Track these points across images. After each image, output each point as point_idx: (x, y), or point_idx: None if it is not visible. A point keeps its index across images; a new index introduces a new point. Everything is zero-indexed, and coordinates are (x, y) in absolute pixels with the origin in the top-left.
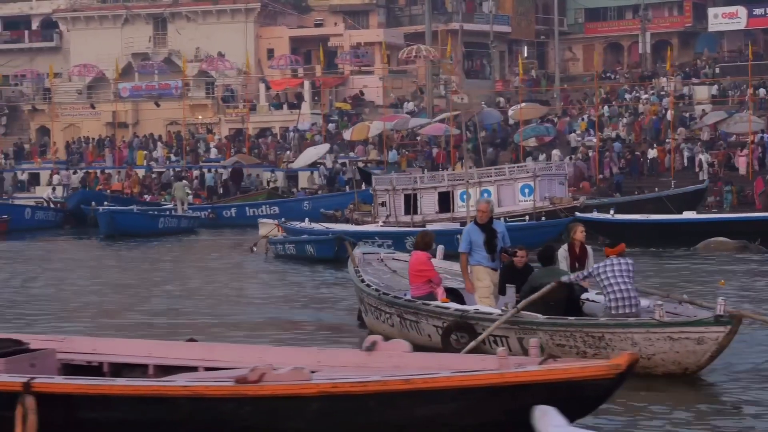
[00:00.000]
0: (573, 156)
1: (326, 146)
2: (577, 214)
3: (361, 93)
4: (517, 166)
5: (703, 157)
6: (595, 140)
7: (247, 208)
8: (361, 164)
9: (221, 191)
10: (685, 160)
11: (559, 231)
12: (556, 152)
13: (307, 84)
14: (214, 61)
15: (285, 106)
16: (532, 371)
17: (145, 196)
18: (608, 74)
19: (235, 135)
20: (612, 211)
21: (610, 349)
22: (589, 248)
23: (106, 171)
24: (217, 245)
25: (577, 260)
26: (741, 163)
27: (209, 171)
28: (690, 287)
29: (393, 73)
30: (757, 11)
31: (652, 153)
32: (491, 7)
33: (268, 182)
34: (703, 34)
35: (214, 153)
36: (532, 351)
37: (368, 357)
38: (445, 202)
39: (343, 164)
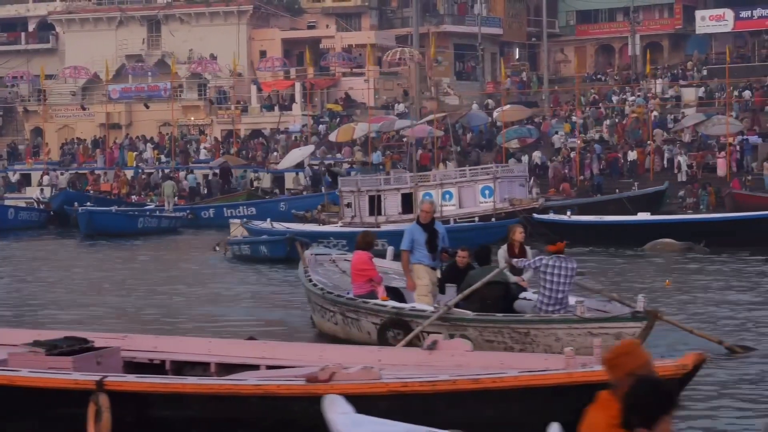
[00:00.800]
0: (554, 158)
1: (311, 147)
2: (535, 215)
3: (347, 95)
4: (480, 168)
5: (682, 159)
6: (578, 142)
7: (224, 209)
8: (339, 165)
9: (205, 192)
10: (665, 162)
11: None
12: (537, 154)
13: (297, 85)
14: (204, 63)
15: (276, 108)
16: (600, 371)
17: (132, 197)
18: (599, 76)
19: (227, 136)
20: (569, 213)
21: (535, 345)
22: (528, 248)
23: (96, 172)
24: (187, 245)
25: None
26: (720, 164)
27: (191, 172)
28: (635, 286)
29: (384, 74)
30: (744, 14)
31: (632, 155)
32: (482, 9)
33: (251, 182)
34: (693, 36)
35: (203, 154)
36: (596, 350)
37: (429, 356)
38: (408, 203)
39: (315, 166)
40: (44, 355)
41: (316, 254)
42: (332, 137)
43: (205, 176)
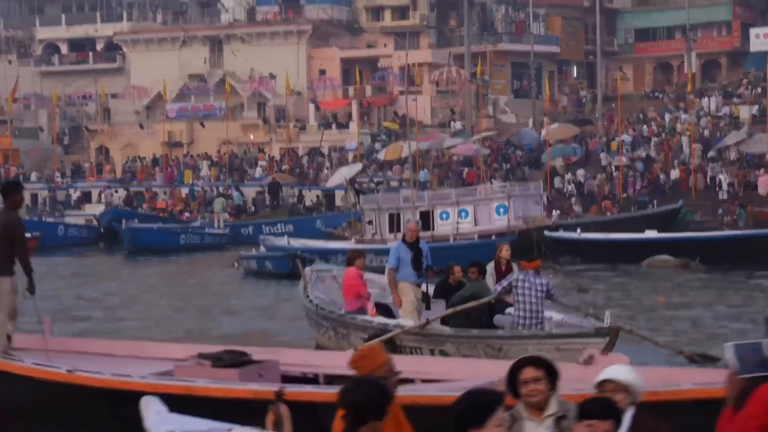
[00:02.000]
0: (598, 175)
1: (359, 166)
2: (546, 232)
3: (396, 114)
4: (498, 186)
5: (723, 177)
6: (624, 159)
7: (264, 226)
8: (360, 185)
9: (253, 209)
10: (708, 180)
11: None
12: (581, 172)
13: (354, 104)
14: (259, 82)
15: (333, 126)
16: None
17: (185, 214)
18: (656, 94)
19: (285, 155)
20: (579, 230)
21: (508, 359)
22: (515, 265)
23: (153, 189)
24: (219, 260)
25: (503, 276)
26: (761, 182)
27: (237, 190)
28: (625, 302)
29: (441, 93)
30: None
31: (674, 173)
32: (539, 28)
33: (297, 200)
34: (751, 54)
35: (258, 172)
36: None
37: (587, 370)
38: (426, 220)
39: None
40: (211, 368)
41: (318, 270)
42: (381, 156)
43: (258, 193)
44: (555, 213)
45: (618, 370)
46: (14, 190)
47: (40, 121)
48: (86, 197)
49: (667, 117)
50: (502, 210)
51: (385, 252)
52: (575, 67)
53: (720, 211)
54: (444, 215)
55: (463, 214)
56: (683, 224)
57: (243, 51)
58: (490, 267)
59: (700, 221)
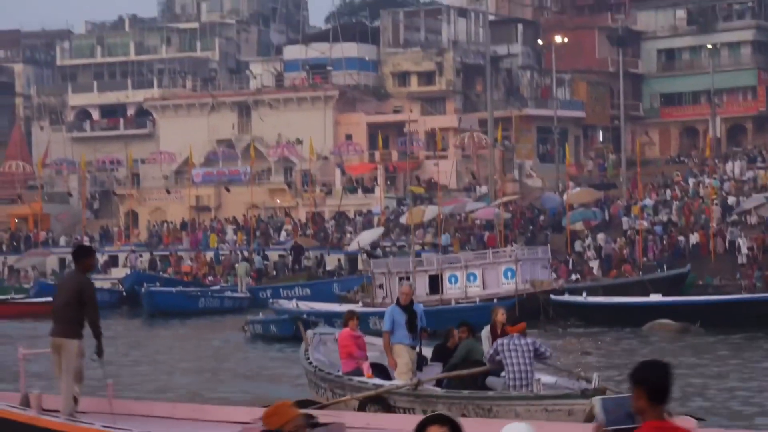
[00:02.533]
0: (618, 239)
1: (380, 230)
2: (552, 296)
3: (417, 178)
4: (501, 250)
5: (742, 241)
6: (645, 224)
7: (281, 290)
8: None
9: (274, 273)
10: (727, 244)
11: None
12: (601, 236)
13: (380, 168)
14: (283, 147)
15: (359, 190)
16: None
17: (209, 278)
18: (682, 158)
19: (311, 218)
20: (584, 294)
21: (498, 420)
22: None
23: (179, 253)
24: (233, 324)
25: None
26: None
27: (259, 254)
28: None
29: (467, 157)
30: None
31: (693, 237)
32: (564, 93)
33: (318, 263)
34: None
35: (283, 236)
36: None
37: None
38: (435, 284)
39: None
40: None
41: (321, 333)
42: (402, 219)
43: (280, 257)
44: (574, 276)
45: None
46: (85, 254)
47: (71, 186)
48: (113, 261)
49: (691, 181)
50: (510, 273)
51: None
52: (601, 132)
53: (738, 275)
54: (453, 279)
55: (472, 277)
56: (692, 288)
57: (271, 116)
58: (486, 331)
59: (717, 285)
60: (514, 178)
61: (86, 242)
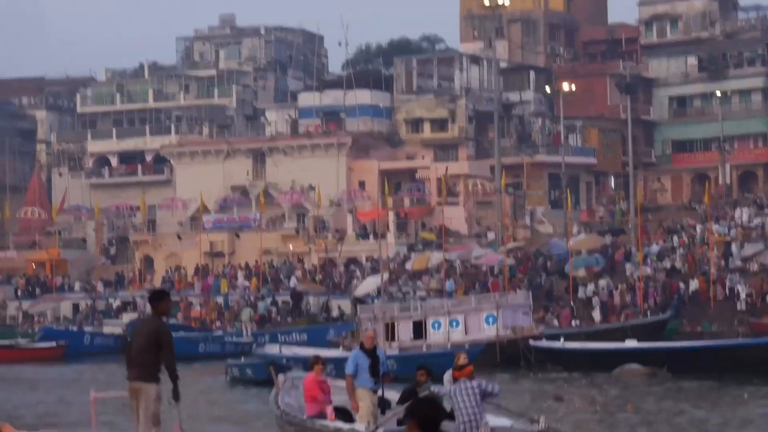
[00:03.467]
0: (619, 285)
1: (385, 276)
2: (531, 341)
3: (423, 225)
4: (476, 297)
5: (741, 288)
6: (649, 270)
7: (279, 335)
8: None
9: (278, 318)
10: (727, 291)
11: (476, 356)
12: (602, 282)
13: (391, 215)
14: (292, 194)
15: (371, 237)
16: None
17: (217, 323)
18: (693, 205)
19: (323, 264)
20: (562, 339)
21: None
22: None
23: (190, 298)
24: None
25: None
26: None
27: (262, 299)
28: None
29: (479, 204)
30: None
31: (694, 284)
32: (576, 140)
33: (323, 309)
34: None
35: (293, 282)
36: None
37: None
38: (419, 330)
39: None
40: None
41: (293, 377)
42: (408, 266)
43: (284, 303)
44: (575, 323)
45: None
46: (160, 299)
47: (88, 232)
48: (126, 306)
49: (699, 228)
50: (491, 320)
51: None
52: (613, 178)
53: (735, 322)
54: (436, 325)
55: (455, 323)
56: (675, 334)
57: (285, 163)
58: (448, 374)
59: (714, 332)
60: (526, 224)
61: (100, 288)
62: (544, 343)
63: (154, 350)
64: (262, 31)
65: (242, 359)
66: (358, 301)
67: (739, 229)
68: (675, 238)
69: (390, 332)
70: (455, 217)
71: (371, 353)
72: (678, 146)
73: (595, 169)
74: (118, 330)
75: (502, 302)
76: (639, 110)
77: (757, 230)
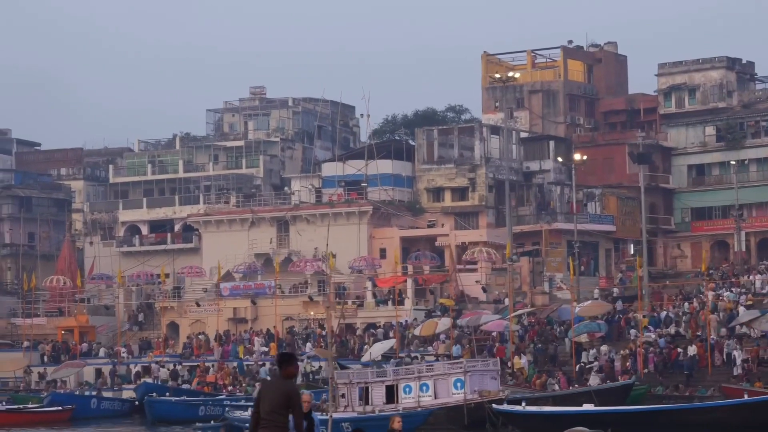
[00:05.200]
0: (621, 351)
1: (392, 342)
2: (494, 405)
3: (430, 291)
4: (450, 363)
5: (737, 353)
6: (653, 336)
7: None
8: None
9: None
10: (724, 356)
11: (421, 421)
12: (604, 348)
13: (410, 281)
14: (304, 262)
15: (389, 303)
16: None
17: (228, 388)
18: (711, 271)
19: (344, 330)
20: (523, 404)
21: None
22: None
23: (206, 364)
24: None
25: None
26: None
27: (263, 365)
28: None
29: (496, 270)
30: None
31: (692, 349)
32: (595, 207)
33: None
34: None
35: (309, 347)
36: None
37: None
38: (391, 394)
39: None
40: None
41: None
42: (416, 331)
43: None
44: (573, 386)
45: None
46: (288, 362)
47: (117, 299)
48: (146, 371)
49: (710, 295)
50: (459, 384)
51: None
52: (632, 245)
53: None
54: (407, 389)
55: (425, 387)
56: (644, 399)
57: (308, 231)
58: None
59: (708, 396)
60: (544, 291)
61: (124, 354)
62: (506, 407)
63: (285, 411)
64: (290, 103)
65: (211, 422)
66: (341, 366)
67: (749, 295)
68: (686, 304)
69: (365, 396)
70: (474, 284)
71: (307, 416)
72: (697, 213)
73: (614, 236)
74: (131, 395)
75: (470, 367)
76: (659, 179)
77: None
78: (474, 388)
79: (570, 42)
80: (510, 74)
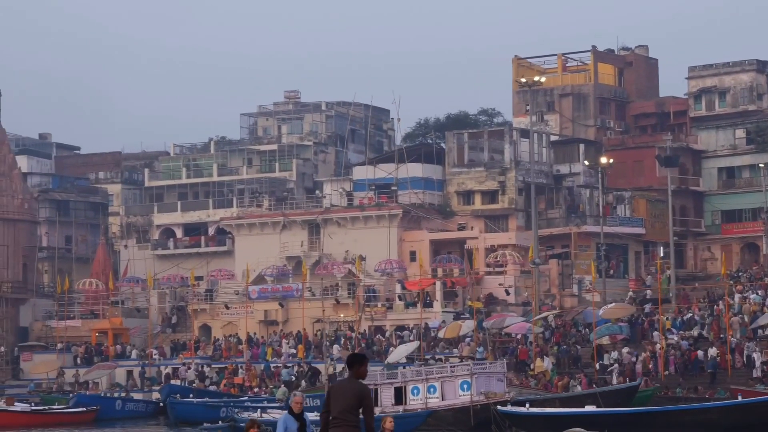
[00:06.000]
0: (642, 353)
1: (415, 344)
2: (499, 407)
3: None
4: (458, 365)
5: (756, 356)
6: (676, 338)
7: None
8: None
9: (303, 384)
10: (745, 358)
11: (421, 421)
12: (625, 350)
13: (438, 284)
14: (330, 265)
15: (418, 305)
16: None
17: (255, 390)
18: (739, 273)
19: (374, 332)
20: (527, 405)
21: None
22: None
23: (234, 365)
24: None
25: None
26: None
27: (286, 367)
28: None
29: (525, 273)
30: None
31: (712, 351)
32: (625, 210)
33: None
34: None
35: (336, 350)
36: None
37: None
38: (399, 395)
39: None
40: None
41: None
42: (441, 334)
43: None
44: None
45: None
46: (359, 362)
47: (151, 301)
48: (174, 373)
49: (737, 297)
50: (465, 386)
51: None
52: (662, 248)
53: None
54: (415, 390)
55: (432, 389)
56: (651, 401)
57: (339, 234)
58: None
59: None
60: (573, 293)
61: (155, 356)
62: (509, 409)
63: (357, 411)
64: (323, 107)
65: (219, 423)
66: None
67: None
68: (714, 306)
69: (375, 397)
70: (503, 287)
71: (299, 417)
72: (727, 216)
73: (644, 239)
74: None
75: (476, 369)
76: (689, 181)
77: None
78: (480, 389)
79: (593, 46)
80: (536, 78)
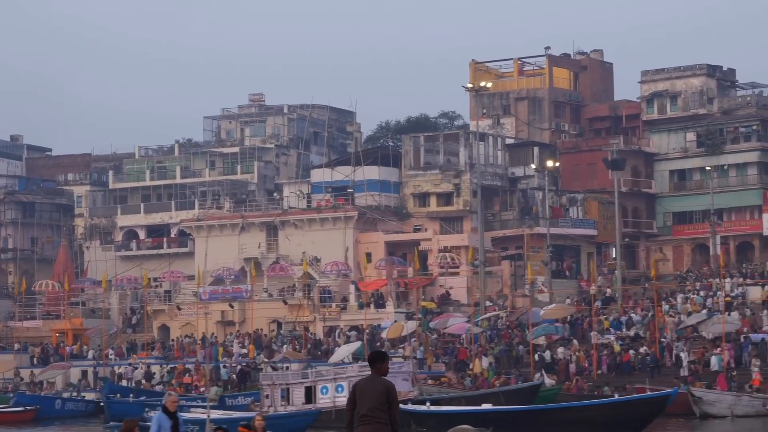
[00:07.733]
0: (576, 353)
1: (357, 344)
2: (401, 406)
3: (405, 293)
4: (359, 365)
5: (683, 355)
6: (612, 338)
7: (226, 399)
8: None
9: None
10: (674, 358)
11: (311, 420)
12: (561, 349)
13: (391, 284)
14: (278, 267)
15: (372, 306)
16: None
17: (201, 389)
18: (689, 273)
19: (329, 332)
20: (428, 404)
21: None
22: None
23: (186, 366)
24: None
25: None
26: (714, 360)
27: (224, 366)
28: None
29: (478, 274)
30: None
31: (643, 351)
32: (578, 212)
33: None
34: None
35: (284, 349)
36: None
37: None
38: (309, 394)
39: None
40: None
41: None
42: (384, 334)
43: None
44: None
45: None
46: (381, 360)
47: (112, 302)
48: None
49: (679, 298)
50: None
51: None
52: (614, 249)
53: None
54: (324, 390)
55: (340, 388)
56: (554, 400)
57: (296, 235)
58: None
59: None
60: (525, 293)
61: (111, 356)
62: (410, 407)
63: (385, 408)
64: (285, 110)
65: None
66: (272, 368)
67: (715, 298)
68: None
69: (287, 396)
70: (457, 287)
71: (172, 416)
72: (678, 218)
73: (596, 241)
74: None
75: None
76: (641, 184)
77: (738, 299)
78: None
79: (547, 48)
80: (482, 83)
